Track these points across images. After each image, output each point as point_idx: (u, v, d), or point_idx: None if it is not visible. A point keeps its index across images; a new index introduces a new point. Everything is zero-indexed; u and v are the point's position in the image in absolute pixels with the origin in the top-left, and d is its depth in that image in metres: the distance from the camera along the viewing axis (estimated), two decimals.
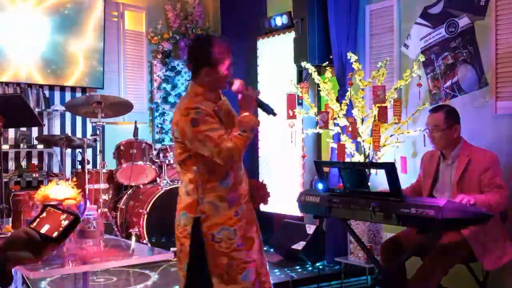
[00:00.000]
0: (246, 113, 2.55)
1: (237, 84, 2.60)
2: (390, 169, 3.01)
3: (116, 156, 5.29)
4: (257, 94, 2.66)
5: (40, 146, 5.64)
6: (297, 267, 4.64)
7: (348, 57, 4.32)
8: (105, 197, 5.08)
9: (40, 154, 5.86)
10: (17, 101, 4.01)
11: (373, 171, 4.29)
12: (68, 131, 5.96)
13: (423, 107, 4.14)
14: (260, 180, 2.95)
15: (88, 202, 2.97)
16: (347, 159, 4.43)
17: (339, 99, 4.50)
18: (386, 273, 3.43)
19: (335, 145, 4.52)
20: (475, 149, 3.37)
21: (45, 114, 5.85)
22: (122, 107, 5.07)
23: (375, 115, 4.23)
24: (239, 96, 2.61)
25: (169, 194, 4.87)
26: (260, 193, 2.81)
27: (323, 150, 5.24)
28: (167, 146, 5.29)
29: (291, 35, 5.26)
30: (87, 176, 4.92)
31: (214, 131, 2.45)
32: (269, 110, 2.66)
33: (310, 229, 4.84)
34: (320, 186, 4.55)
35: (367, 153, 4.31)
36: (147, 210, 4.79)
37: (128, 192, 5.20)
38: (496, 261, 3.20)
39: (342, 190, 3.39)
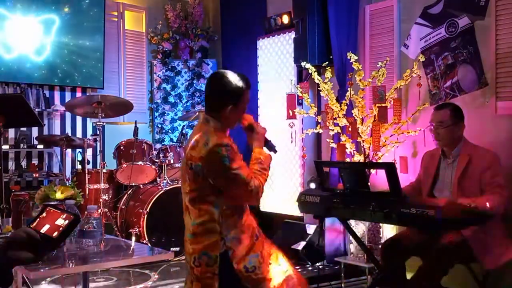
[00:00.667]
0: (261, 149, 2.62)
1: (249, 119, 2.67)
2: (390, 169, 3.01)
3: (116, 156, 5.30)
4: (265, 130, 2.75)
5: (40, 146, 5.64)
6: (297, 267, 4.64)
7: (348, 57, 4.32)
8: (105, 197, 5.08)
9: (40, 154, 5.86)
10: (17, 101, 4.01)
11: (373, 171, 4.29)
12: (68, 131, 5.96)
13: (423, 107, 4.14)
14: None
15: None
16: (347, 159, 4.43)
17: (339, 99, 4.50)
18: (386, 273, 3.43)
19: (335, 145, 4.52)
20: (476, 148, 3.37)
21: (45, 114, 5.85)
22: (122, 107, 5.07)
23: (375, 115, 4.23)
24: (252, 131, 2.70)
25: (169, 194, 4.88)
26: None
27: (323, 150, 5.24)
28: (167, 146, 5.29)
29: (291, 35, 5.26)
30: (87, 176, 4.93)
31: (243, 169, 2.48)
32: (272, 147, 2.77)
33: (310, 229, 4.84)
34: (312, 185, 4.55)
35: (367, 153, 4.31)
36: (147, 210, 4.79)
37: (128, 192, 5.20)
38: (496, 261, 3.20)
39: (342, 190, 3.39)
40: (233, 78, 2.55)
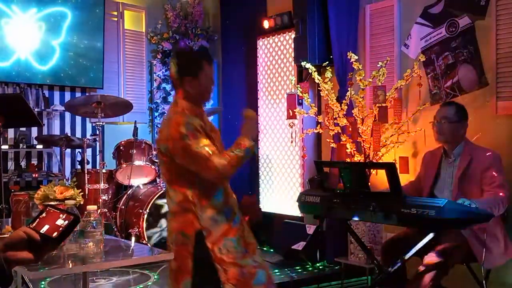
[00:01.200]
0: (245, 138, 2.58)
1: (252, 112, 2.77)
2: (390, 169, 3.00)
3: (115, 156, 5.29)
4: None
5: (40, 146, 5.63)
6: (297, 267, 4.64)
7: (348, 57, 4.32)
8: (104, 197, 5.07)
9: (40, 154, 5.85)
10: (16, 101, 4.00)
11: (373, 171, 4.28)
12: (68, 131, 5.95)
13: (424, 107, 4.14)
14: (249, 193, 2.94)
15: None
16: (347, 159, 4.42)
17: (339, 99, 4.50)
18: (386, 273, 3.42)
19: (335, 145, 4.52)
20: (477, 147, 3.37)
21: (44, 114, 5.84)
22: (121, 107, 5.07)
23: (375, 115, 4.22)
24: (245, 121, 2.69)
25: None
26: (253, 209, 2.82)
27: (323, 150, 5.24)
28: None
29: (291, 35, 5.26)
30: (86, 176, 4.92)
31: (206, 147, 2.48)
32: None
33: (310, 229, 4.84)
34: (310, 179, 4.52)
35: (367, 153, 4.31)
36: (147, 210, 4.79)
37: (128, 192, 5.19)
38: (496, 261, 3.20)
39: (342, 190, 3.39)
40: (187, 53, 2.70)
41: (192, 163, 2.49)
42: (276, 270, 4.59)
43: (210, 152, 2.47)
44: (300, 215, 5.21)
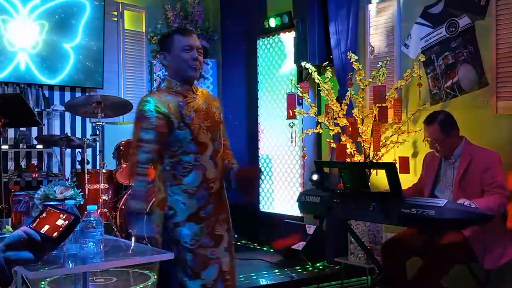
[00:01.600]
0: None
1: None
2: (390, 169, 3.01)
3: (115, 156, 5.29)
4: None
5: (40, 146, 5.63)
6: (297, 267, 4.64)
7: (348, 57, 4.32)
8: (104, 197, 5.07)
9: (40, 154, 5.85)
10: (16, 101, 4.00)
11: (373, 171, 4.28)
12: (68, 131, 5.95)
13: (424, 107, 4.14)
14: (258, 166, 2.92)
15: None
16: (347, 159, 4.42)
17: (339, 99, 4.50)
18: (386, 273, 3.42)
19: (335, 145, 4.52)
20: (477, 148, 3.37)
21: (44, 114, 5.84)
22: (121, 107, 5.06)
23: (375, 115, 4.22)
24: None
25: None
26: (246, 184, 2.72)
27: (323, 150, 5.24)
28: None
29: (291, 35, 5.26)
30: (86, 176, 4.92)
31: (140, 136, 2.51)
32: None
33: (310, 229, 4.84)
34: (314, 177, 4.51)
35: (367, 153, 4.31)
36: (147, 210, 4.77)
37: (128, 192, 5.19)
38: (496, 261, 3.20)
39: (342, 190, 3.39)
40: (163, 33, 2.77)
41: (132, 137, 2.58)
42: (276, 270, 4.59)
43: (139, 145, 2.50)
44: (300, 215, 5.21)
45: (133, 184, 2.60)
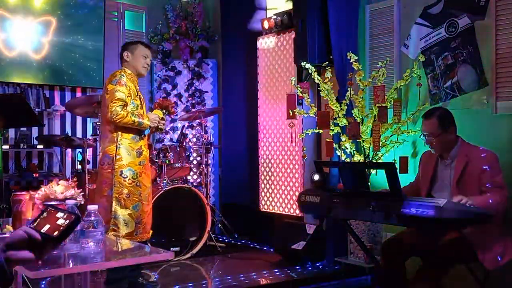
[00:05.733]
0: (155, 115, 4.01)
1: (162, 102, 4.28)
2: (390, 169, 3.01)
3: None
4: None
5: (40, 146, 5.64)
6: (297, 267, 4.64)
7: (348, 57, 4.32)
8: None
9: (40, 154, 5.86)
10: (17, 101, 4.01)
11: (373, 171, 4.29)
12: (68, 131, 5.96)
13: (423, 107, 4.14)
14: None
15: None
16: (347, 159, 4.43)
17: (339, 99, 4.50)
18: (386, 273, 3.43)
19: (335, 145, 4.52)
20: (474, 148, 3.37)
21: (45, 114, 5.85)
22: None
23: (375, 115, 4.23)
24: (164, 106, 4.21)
25: (169, 194, 4.87)
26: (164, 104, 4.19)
27: (323, 150, 5.24)
28: (167, 146, 5.29)
29: (291, 35, 5.27)
30: (87, 176, 4.92)
31: (119, 93, 3.71)
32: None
33: (310, 229, 4.84)
34: (316, 177, 4.51)
35: (367, 153, 4.32)
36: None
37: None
38: (496, 261, 3.20)
39: (342, 190, 3.39)
40: (131, 41, 4.24)
41: (107, 100, 3.71)
42: (276, 270, 4.59)
43: (118, 97, 3.70)
44: (300, 215, 5.22)
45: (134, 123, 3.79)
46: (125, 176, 3.74)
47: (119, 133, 3.77)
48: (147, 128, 3.85)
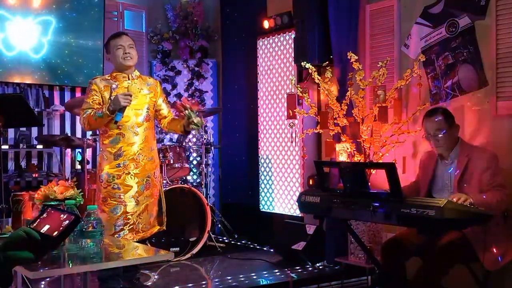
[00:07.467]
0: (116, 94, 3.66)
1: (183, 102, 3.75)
2: (390, 169, 3.01)
3: None
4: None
5: (40, 146, 5.64)
6: (297, 267, 4.64)
7: (348, 57, 4.32)
8: None
9: (40, 154, 5.86)
10: (17, 101, 4.01)
11: (373, 171, 4.28)
12: (68, 131, 5.96)
13: (424, 107, 4.14)
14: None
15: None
16: (347, 159, 4.42)
17: (339, 99, 4.50)
18: (386, 273, 3.43)
19: (336, 146, 4.52)
20: (474, 148, 3.37)
21: (44, 114, 5.85)
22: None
23: (375, 115, 4.22)
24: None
25: (169, 194, 4.87)
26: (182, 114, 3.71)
27: (323, 150, 5.24)
28: (167, 146, 5.28)
29: (291, 35, 5.26)
30: (86, 176, 4.92)
31: (85, 100, 3.71)
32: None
33: (310, 229, 4.84)
34: (316, 177, 4.43)
35: (367, 153, 4.31)
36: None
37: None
38: (497, 261, 3.20)
39: (342, 190, 3.39)
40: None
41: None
42: (276, 270, 4.59)
43: (81, 108, 3.69)
44: (300, 215, 5.21)
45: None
46: (101, 180, 3.71)
47: (101, 139, 3.78)
48: (112, 115, 3.55)
